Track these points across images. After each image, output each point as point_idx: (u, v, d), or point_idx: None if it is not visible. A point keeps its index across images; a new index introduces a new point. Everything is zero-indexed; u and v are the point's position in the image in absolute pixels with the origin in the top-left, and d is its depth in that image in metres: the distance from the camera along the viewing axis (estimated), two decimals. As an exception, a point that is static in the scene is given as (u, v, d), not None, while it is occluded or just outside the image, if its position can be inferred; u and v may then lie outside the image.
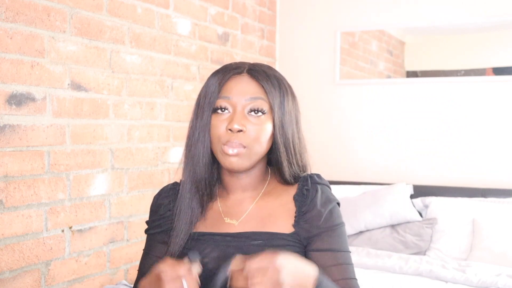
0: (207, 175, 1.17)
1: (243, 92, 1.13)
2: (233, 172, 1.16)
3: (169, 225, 1.19)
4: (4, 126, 1.91)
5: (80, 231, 2.23)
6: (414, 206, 3.12)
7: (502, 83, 3.24)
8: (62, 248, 2.15)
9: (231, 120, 1.11)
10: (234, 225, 1.15)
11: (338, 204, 1.19)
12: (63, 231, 2.15)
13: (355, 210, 3.06)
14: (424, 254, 2.87)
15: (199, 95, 1.17)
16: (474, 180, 3.26)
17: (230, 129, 1.10)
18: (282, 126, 1.14)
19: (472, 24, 3.31)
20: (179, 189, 1.21)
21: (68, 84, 2.16)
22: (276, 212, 1.16)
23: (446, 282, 2.42)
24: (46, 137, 2.07)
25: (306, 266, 0.97)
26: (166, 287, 0.94)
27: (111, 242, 2.39)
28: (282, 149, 1.15)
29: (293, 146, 1.16)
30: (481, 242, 2.77)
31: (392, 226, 3.03)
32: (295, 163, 1.18)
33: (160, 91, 2.67)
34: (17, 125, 1.96)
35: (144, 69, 2.57)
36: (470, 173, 3.28)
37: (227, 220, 1.17)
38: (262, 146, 1.13)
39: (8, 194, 1.93)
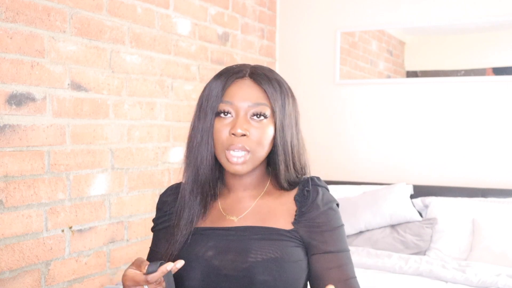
0: (211, 176, 1.20)
1: (246, 97, 1.15)
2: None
3: (172, 222, 1.22)
4: (4, 126, 1.91)
5: (80, 231, 2.23)
6: (414, 206, 3.11)
7: (502, 83, 3.24)
8: (62, 248, 2.15)
9: (234, 124, 1.14)
10: (234, 221, 1.18)
11: (338, 205, 1.22)
12: (63, 231, 2.15)
13: (355, 210, 3.06)
14: (424, 254, 2.87)
15: (201, 98, 1.19)
16: (474, 180, 3.26)
17: (233, 134, 1.13)
18: (283, 129, 1.17)
19: (472, 24, 3.31)
20: None
21: (68, 84, 2.16)
22: (276, 210, 1.18)
23: (446, 282, 2.42)
24: (46, 137, 2.07)
25: None
26: None
27: (111, 242, 2.39)
28: (280, 151, 1.18)
29: (292, 148, 1.19)
30: (481, 242, 2.77)
31: (392, 226, 3.03)
32: (292, 165, 1.20)
33: (160, 91, 2.67)
34: (17, 125, 1.96)
35: (144, 69, 2.57)
36: (470, 173, 3.28)
37: (228, 216, 1.19)
38: (264, 149, 1.16)
39: (8, 194, 1.93)
